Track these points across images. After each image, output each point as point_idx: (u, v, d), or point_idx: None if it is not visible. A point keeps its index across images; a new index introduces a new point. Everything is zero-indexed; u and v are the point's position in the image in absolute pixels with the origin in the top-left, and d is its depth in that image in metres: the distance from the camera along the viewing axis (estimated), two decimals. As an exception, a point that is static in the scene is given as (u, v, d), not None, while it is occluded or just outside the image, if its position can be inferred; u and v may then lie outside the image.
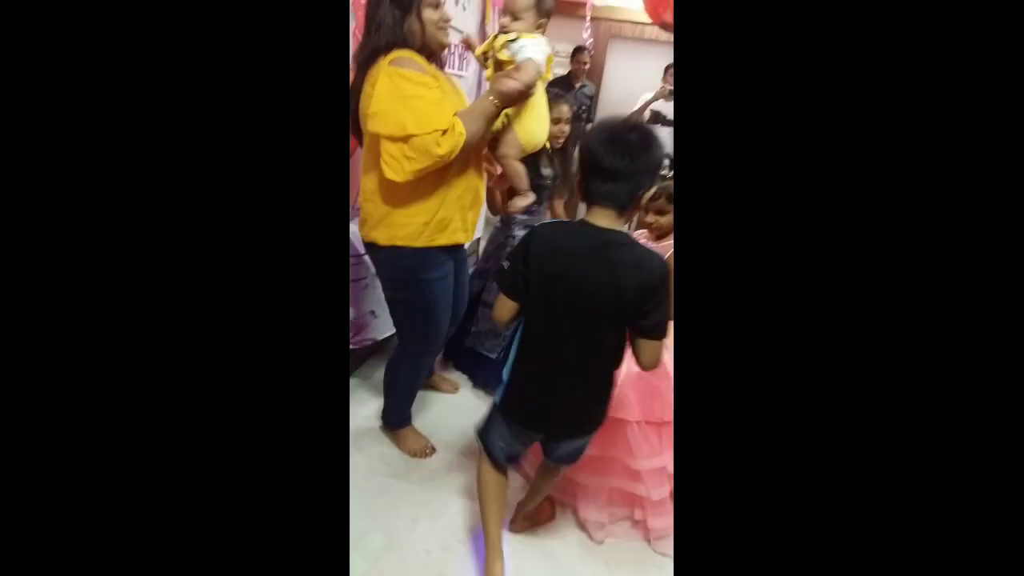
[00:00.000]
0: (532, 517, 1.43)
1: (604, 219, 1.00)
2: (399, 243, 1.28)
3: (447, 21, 1.29)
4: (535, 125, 1.37)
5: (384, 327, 1.78)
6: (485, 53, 1.40)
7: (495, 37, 1.35)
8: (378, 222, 1.29)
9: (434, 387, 1.95)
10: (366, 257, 1.54)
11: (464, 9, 1.95)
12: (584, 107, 3.60)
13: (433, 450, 1.68)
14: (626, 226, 1.05)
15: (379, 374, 2.08)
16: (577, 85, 3.63)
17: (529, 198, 1.45)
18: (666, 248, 1.42)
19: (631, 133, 0.97)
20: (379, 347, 1.99)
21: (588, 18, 3.98)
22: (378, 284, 1.66)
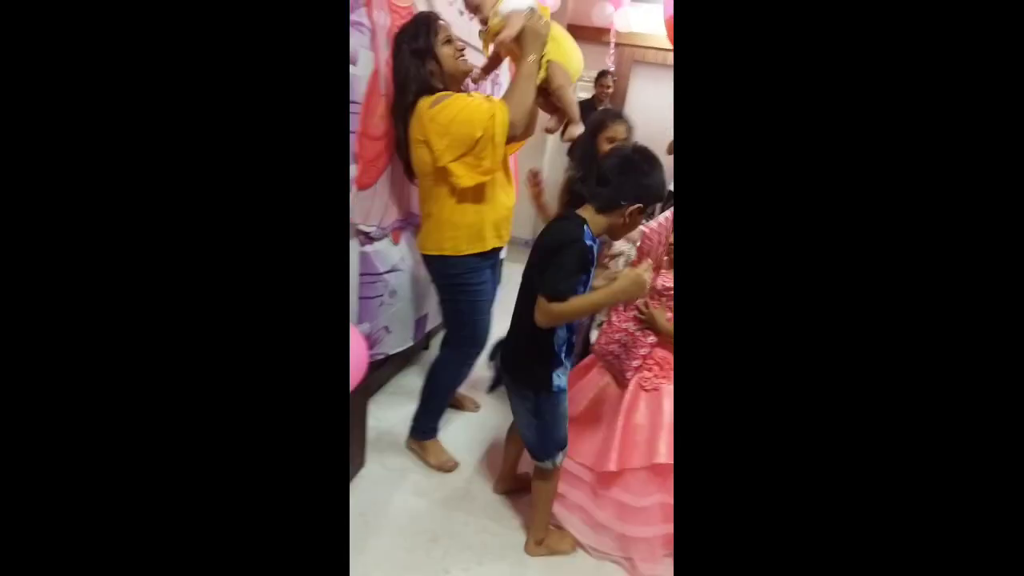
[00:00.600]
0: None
1: (584, 211, 1.17)
2: (447, 253, 1.46)
3: (462, 50, 1.42)
4: (569, 52, 1.41)
5: (396, 343, 1.82)
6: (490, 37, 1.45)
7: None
8: (430, 237, 1.49)
9: (457, 406, 1.97)
10: (385, 276, 1.62)
11: (471, 20, 2.01)
12: None
13: (456, 464, 1.68)
14: (604, 226, 1.17)
15: (396, 385, 2.08)
16: (600, 108, 3.67)
17: (581, 127, 1.53)
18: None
19: (635, 153, 1.13)
20: (390, 360, 1.99)
21: (612, 44, 4.04)
22: (394, 302, 1.72)
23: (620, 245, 1.64)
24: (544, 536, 1.41)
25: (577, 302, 1.10)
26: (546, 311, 1.11)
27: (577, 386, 1.52)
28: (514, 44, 1.34)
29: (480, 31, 1.43)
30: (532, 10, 1.32)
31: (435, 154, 1.32)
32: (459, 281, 1.51)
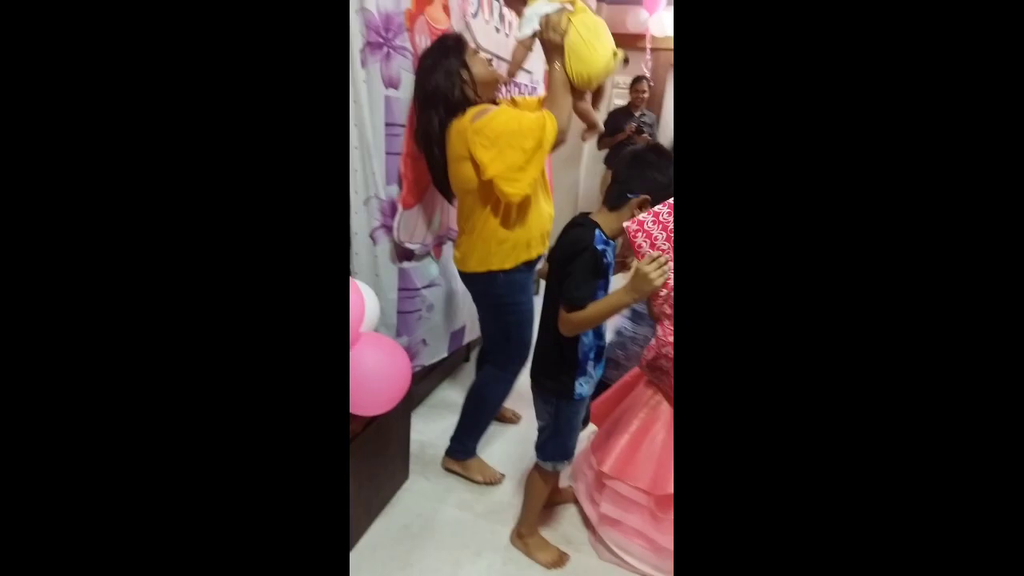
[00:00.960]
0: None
1: (597, 214, 1.18)
2: (494, 268, 1.44)
3: (490, 61, 1.42)
4: (587, 57, 1.35)
5: (433, 354, 1.85)
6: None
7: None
8: (474, 254, 1.46)
9: (498, 418, 1.97)
10: (423, 291, 1.65)
11: (507, 36, 2.03)
12: (648, 134, 3.60)
13: (502, 477, 1.69)
14: (616, 223, 1.15)
15: (436, 398, 2.10)
16: (636, 113, 3.64)
17: (600, 128, 1.62)
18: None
19: (646, 151, 1.16)
20: (427, 372, 2.03)
21: (648, 49, 4.01)
22: (431, 316, 1.74)
23: None
24: (528, 535, 1.44)
25: (593, 308, 1.10)
26: (565, 321, 1.13)
27: (624, 404, 1.48)
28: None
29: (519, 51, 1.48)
30: (548, 17, 1.31)
31: (482, 166, 1.30)
32: (506, 300, 1.49)
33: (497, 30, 1.97)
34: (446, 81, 1.34)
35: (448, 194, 1.51)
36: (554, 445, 1.32)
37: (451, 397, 2.11)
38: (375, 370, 1.06)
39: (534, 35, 1.36)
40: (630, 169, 1.14)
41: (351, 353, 1.04)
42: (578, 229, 1.17)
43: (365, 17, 1.30)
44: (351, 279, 1.06)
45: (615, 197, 1.15)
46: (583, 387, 1.25)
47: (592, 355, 1.24)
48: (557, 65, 1.33)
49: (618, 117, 3.65)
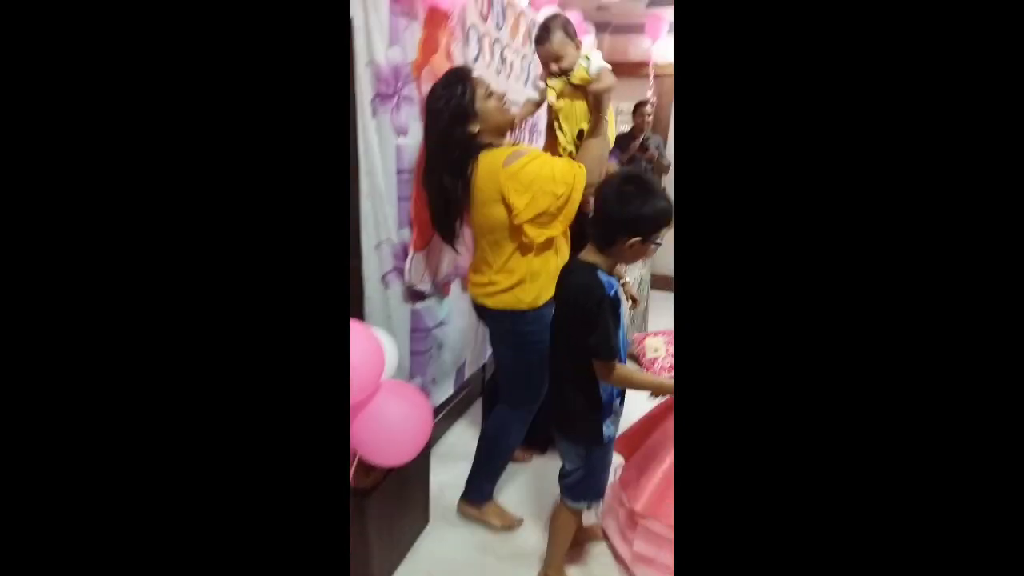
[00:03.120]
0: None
1: (587, 251, 1.17)
2: (525, 307, 1.41)
3: (503, 100, 1.39)
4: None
5: (442, 393, 1.85)
6: (558, 94, 1.48)
7: (549, 79, 1.48)
8: (505, 292, 1.42)
9: (514, 457, 1.92)
10: (434, 331, 1.65)
11: (508, 78, 2.09)
12: (655, 152, 3.62)
13: (521, 521, 1.65)
14: (610, 262, 1.16)
15: (448, 443, 2.07)
16: (641, 137, 3.67)
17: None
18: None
19: (627, 183, 1.08)
20: (442, 412, 2.02)
21: (651, 76, 4.06)
22: (440, 354, 1.73)
23: (636, 270, 1.60)
24: None
25: (637, 377, 1.11)
26: (609, 371, 1.13)
27: (653, 438, 1.45)
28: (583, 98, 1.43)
29: (547, 79, 1.48)
30: (605, 70, 1.37)
31: (515, 211, 1.29)
32: (532, 338, 1.45)
33: (498, 72, 2.01)
34: (459, 126, 1.31)
35: (447, 233, 1.45)
36: (586, 486, 1.30)
37: (468, 435, 2.09)
38: (399, 420, 1.06)
39: (578, 82, 1.41)
40: (613, 205, 1.08)
41: (374, 402, 1.04)
42: (580, 275, 1.15)
43: (374, 69, 1.34)
44: (372, 328, 1.06)
45: (604, 237, 1.13)
46: (611, 428, 1.24)
47: (616, 393, 1.24)
48: (607, 117, 1.36)
49: (624, 142, 3.68)
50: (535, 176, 1.28)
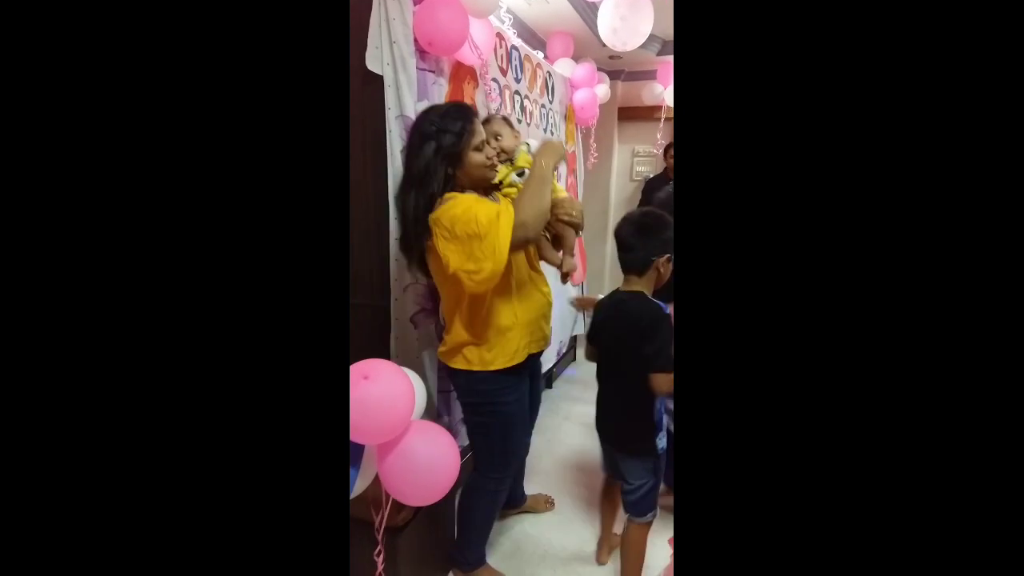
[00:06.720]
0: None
1: (628, 283, 1.33)
2: (476, 368, 1.31)
3: (491, 159, 1.30)
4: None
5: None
6: (501, 182, 1.38)
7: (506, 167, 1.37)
8: (457, 350, 1.33)
9: (530, 509, 1.89)
10: None
11: (527, 125, 2.15)
12: None
13: None
14: (650, 285, 1.32)
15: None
16: (673, 178, 3.76)
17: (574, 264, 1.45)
18: None
19: (645, 216, 1.30)
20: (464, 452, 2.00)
21: (662, 120, 4.17)
22: None
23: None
24: None
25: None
26: (669, 381, 1.22)
27: None
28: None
29: (499, 167, 1.36)
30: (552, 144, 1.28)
31: (444, 259, 1.16)
32: (489, 399, 1.34)
33: (519, 121, 2.11)
34: (442, 166, 1.22)
35: (408, 254, 1.34)
36: (650, 499, 1.40)
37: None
38: (428, 460, 1.07)
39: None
40: (643, 238, 1.28)
41: (403, 442, 1.06)
42: (634, 300, 1.30)
43: (404, 123, 1.42)
44: (402, 369, 1.09)
45: (638, 263, 1.29)
46: (663, 441, 1.36)
47: (663, 410, 1.35)
48: (546, 162, 1.21)
49: (657, 183, 3.79)
50: (457, 219, 1.14)
